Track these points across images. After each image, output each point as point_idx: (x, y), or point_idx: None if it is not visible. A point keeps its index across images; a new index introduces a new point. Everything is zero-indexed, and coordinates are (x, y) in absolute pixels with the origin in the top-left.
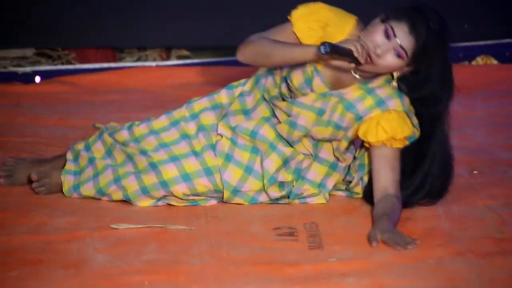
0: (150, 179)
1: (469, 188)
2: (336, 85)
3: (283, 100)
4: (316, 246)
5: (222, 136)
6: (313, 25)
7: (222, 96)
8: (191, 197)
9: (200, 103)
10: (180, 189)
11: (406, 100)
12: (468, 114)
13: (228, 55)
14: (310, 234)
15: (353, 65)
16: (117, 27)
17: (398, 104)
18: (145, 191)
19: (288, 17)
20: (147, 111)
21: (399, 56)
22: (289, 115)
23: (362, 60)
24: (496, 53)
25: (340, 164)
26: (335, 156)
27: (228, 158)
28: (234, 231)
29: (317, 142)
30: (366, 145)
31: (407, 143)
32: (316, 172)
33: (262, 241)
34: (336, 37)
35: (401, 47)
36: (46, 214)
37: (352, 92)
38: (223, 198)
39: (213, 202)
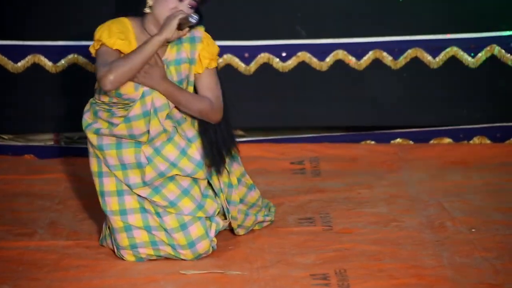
0: None
1: (468, 243)
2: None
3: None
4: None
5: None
6: (118, 35)
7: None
8: None
9: None
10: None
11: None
12: (467, 183)
13: (277, 135)
14: (340, 278)
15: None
16: None
17: (201, 30)
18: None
19: (104, 42)
20: None
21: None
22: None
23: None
24: (489, 134)
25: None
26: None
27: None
28: (279, 276)
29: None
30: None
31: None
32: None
33: (301, 284)
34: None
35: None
36: (130, 262)
37: (170, 53)
38: None
39: None
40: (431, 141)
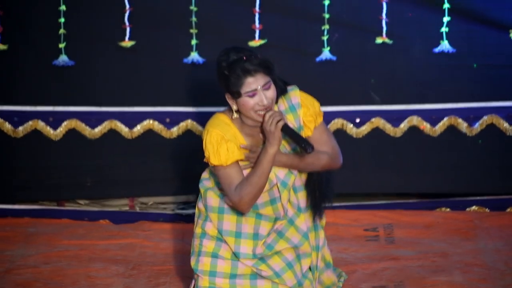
0: None
1: None
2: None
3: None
4: None
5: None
6: (225, 150)
7: None
8: None
9: None
10: None
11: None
12: None
13: (351, 201)
14: None
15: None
16: None
17: (296, 94)
18: None
19: (216, 165)
20: None
21: (269, 87)
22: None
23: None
24: None
25: None
26: None
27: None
28: None
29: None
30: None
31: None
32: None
33: None
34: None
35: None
36: None
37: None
38: None
39: None
40: (508, 209)
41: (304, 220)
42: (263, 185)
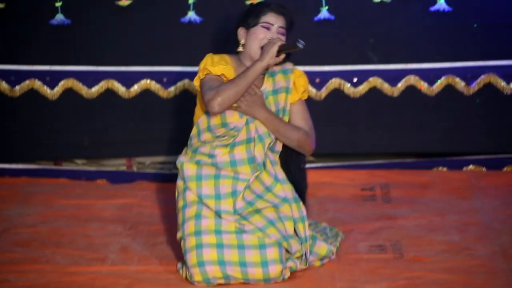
0: None
1: None
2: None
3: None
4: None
5: None
6: (222, 66)
7: None
8: None
9: None
10: None
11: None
12: None
13: (348, 161)
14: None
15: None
16: None
17: (291, 64)
18: None
19: (209, 72)
20: None
21: (283, 35)
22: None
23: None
24: None
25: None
26: None
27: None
28: None
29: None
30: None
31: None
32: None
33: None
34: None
35: (281, 27)
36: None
37: (268, 83)
38: None
39: None
40: (505, 168)
41: (282, 189)
42: (240, 90)
